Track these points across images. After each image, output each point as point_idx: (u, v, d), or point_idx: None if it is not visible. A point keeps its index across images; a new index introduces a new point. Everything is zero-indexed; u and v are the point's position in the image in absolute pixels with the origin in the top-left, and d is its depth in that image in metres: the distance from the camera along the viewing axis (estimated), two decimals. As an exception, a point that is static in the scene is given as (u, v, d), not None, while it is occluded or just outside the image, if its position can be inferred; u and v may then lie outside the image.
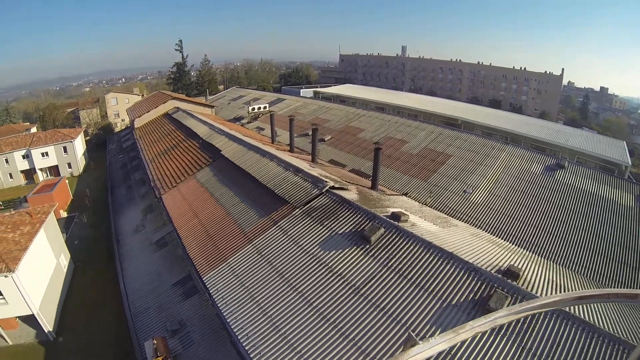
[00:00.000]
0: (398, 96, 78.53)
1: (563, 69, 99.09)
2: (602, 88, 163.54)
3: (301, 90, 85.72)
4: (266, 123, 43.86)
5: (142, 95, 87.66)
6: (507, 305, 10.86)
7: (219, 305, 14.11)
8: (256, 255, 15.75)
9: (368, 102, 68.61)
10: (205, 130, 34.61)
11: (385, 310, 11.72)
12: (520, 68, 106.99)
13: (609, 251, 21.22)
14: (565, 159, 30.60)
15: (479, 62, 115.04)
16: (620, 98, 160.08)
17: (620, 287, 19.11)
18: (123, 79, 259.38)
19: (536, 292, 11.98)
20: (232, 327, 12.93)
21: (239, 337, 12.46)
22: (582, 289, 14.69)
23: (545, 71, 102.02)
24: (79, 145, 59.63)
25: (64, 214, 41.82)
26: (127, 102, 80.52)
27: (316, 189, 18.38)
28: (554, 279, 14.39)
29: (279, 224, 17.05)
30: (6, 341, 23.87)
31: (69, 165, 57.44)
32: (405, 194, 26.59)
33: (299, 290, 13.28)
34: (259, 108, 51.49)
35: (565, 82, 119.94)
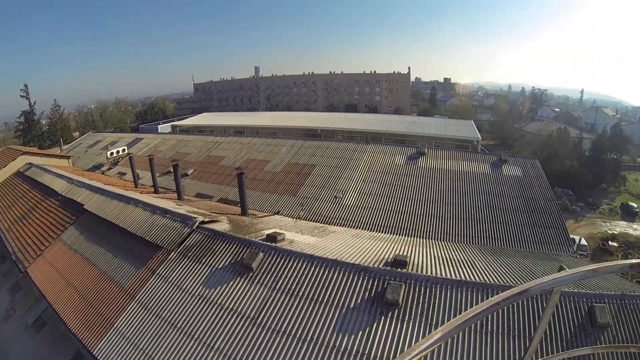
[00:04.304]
0: (255, 117, 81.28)
1: (409, 67, 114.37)
2: (445, 79, 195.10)
3: (159, 126, 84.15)
4: (127, 167, 41.72)
5: (-13, 155, 75.19)
6: (403, 294, 11.64)
7: (118, 378, 12.75)
8: (143, 311, 14.69)
9: (226, 128, 69.44)
10: (63, 185, 31.47)
11: (287, 332, 11.66)
12: (371, 72, 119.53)
13: (479, 215, 24.57)
14: (425, 146, 34.46)
15: (331, 72, 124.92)
16: (461, 85, 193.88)
17: (494, 243, 22.37)
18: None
19: (425, 272, 13.00)
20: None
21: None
22: (460, 256, 16.44)
23: (394, 71, 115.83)
24: None
25: None
26: (-30, 167, 68.06)
27: (187, 227, 17.94)
28: (438, 255, 15.88)
29: (157, 272, 16.22)
30: None
31: None
32: (277, 213, 27.11)
33: (196, 336, 12.68)
34: (118, 152, 49.01)
35: (413, 78, 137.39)
